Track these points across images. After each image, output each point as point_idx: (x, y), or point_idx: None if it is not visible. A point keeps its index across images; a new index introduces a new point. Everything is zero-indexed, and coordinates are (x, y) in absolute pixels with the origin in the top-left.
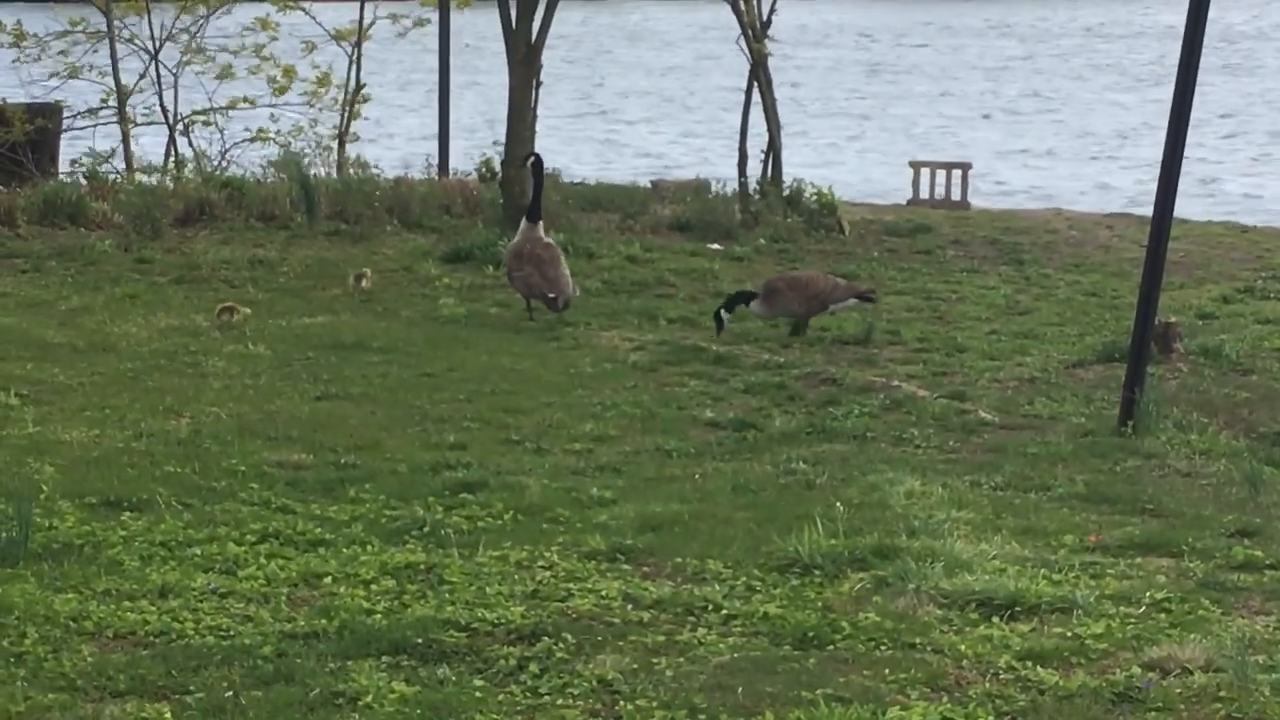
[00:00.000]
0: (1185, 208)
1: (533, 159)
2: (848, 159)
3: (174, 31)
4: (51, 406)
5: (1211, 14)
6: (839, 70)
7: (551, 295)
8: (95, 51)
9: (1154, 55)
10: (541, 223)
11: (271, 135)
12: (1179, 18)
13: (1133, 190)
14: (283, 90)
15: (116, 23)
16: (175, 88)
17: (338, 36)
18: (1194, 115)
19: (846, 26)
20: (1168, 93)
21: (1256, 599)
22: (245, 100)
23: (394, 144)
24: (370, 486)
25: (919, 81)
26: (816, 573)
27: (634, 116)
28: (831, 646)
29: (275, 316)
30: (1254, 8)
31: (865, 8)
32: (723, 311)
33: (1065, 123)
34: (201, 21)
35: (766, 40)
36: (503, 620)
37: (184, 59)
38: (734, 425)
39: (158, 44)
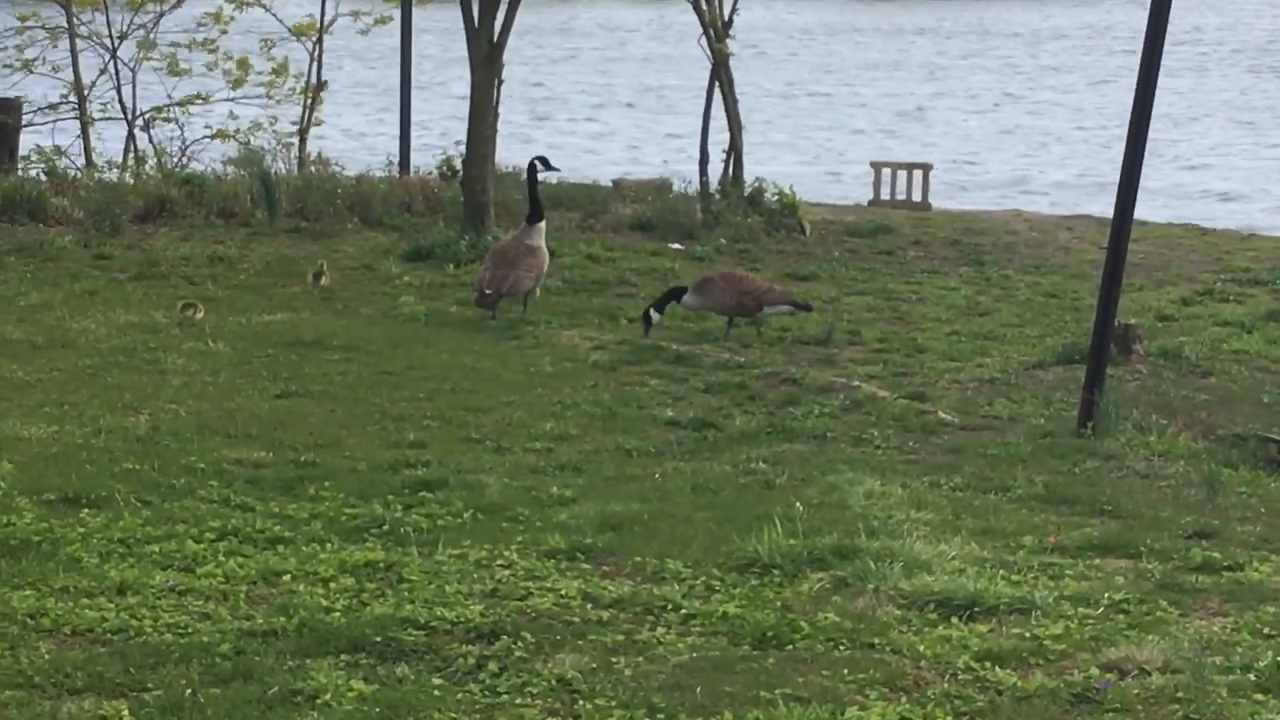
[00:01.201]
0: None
1: (533, 161)
2: (808, 158)
3: (130, 27)
4: (9, 403)
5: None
6: (799, 66)
7: (484, 290)
8: (54, 47)
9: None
10: (539, 224)
11: (231, 134)
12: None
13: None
14: (239, 83)
15: (75, 19)
16: (134, 83)
17: (297, 31)
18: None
19: (810, 26)
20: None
21: (1214, 600)
22: (200, 97)
23: (351, 140)
24: (330, 484)
25: (881, 78)
26: (775, 573)
27: (594, 115)
28: (790, 646)
29: (235, 314)
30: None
31: (819, 7)
32: (652, 310)
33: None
34: (155, 17)
35: (728, 40)
36: (462, 619)
37: (140, 54)
38: (694, 425)
39: (116, 40)
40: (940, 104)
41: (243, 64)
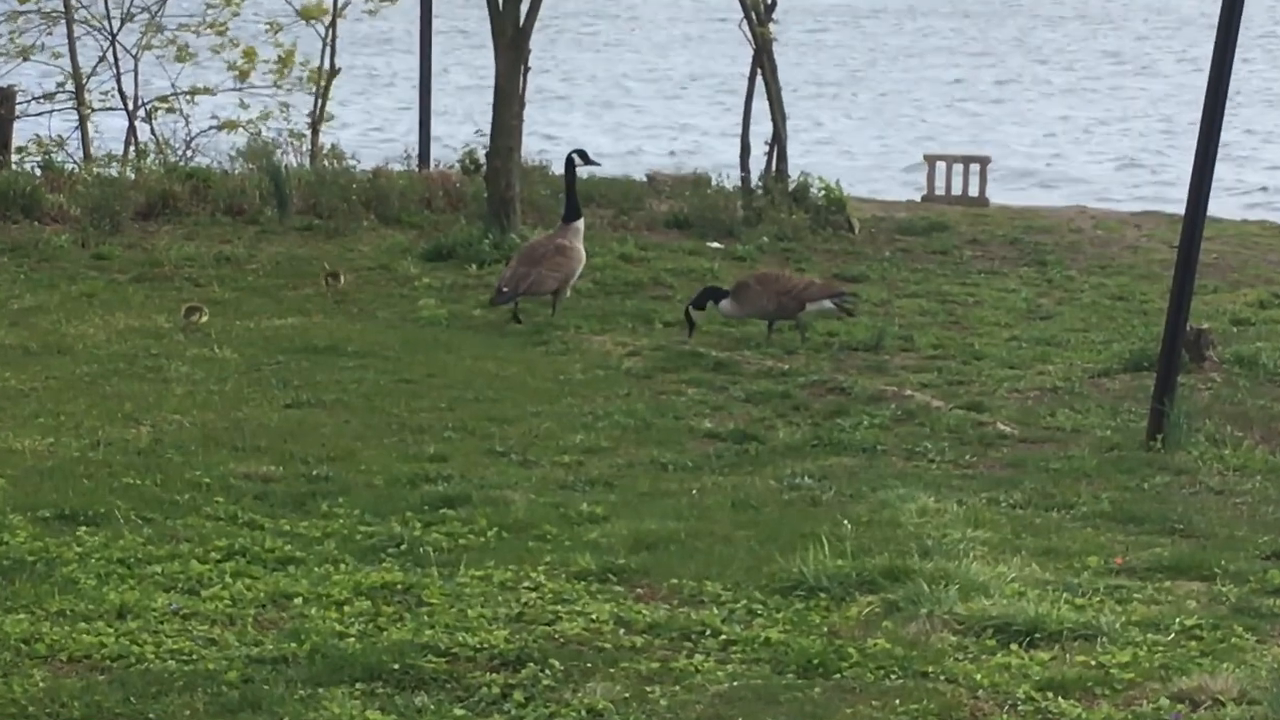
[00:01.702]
0: None
1: (571, 155)
2: (857, 151)
3: (132, 10)
4: (2, 413)
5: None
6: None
7: (501, 288)
8: (49, 33)
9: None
10: (576, 223)
11: (241, 124)
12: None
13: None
14: (245, 74)
15: (74, 1)
16: (135, 71)
17: (304, 15)
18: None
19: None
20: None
21: None
22: (204, 89)
23: (367, 131)
24: (344, 500)
25: (933, 66)
26: (822, 595)
27: (629, 104)
28: (838, 675)
29: (243, 317)
30: None
31: None
32: (691, 308)
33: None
34: (159, 0)
35: (770, 24)
36: (485, 645)
37: (143, 39)
38: (734, 437)
39: (115, 24)
40: (998, 91)
41: (249, 54)
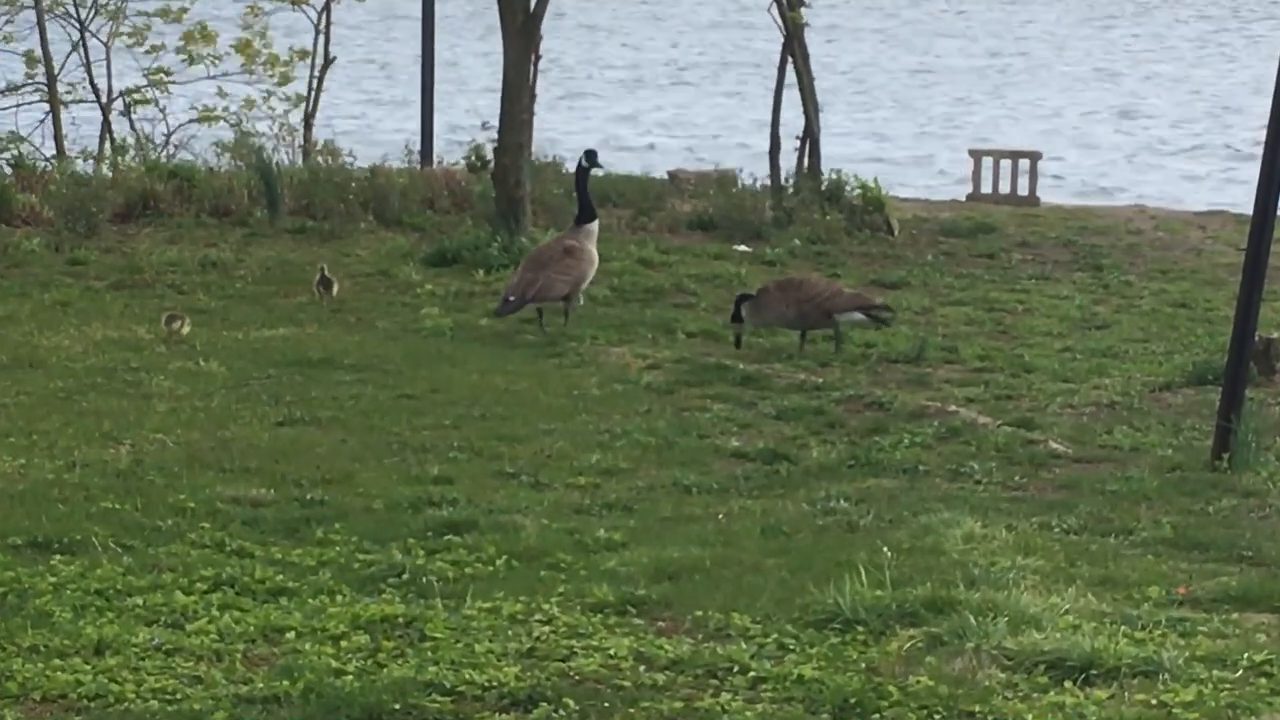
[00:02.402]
0: None
1: (580, 161)
2: (894, 145)
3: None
4: None
5: None
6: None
7: (507, 297)
8: (10, 22)
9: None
10: (589, 225)
11: (220, 114)
12: None
13: None
14: (193, 60)
15: None
16: (108, 61)
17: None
18: None
19: None
20: None
21: None
22: (164, 71)
23: (364, 125)
24: (340, 526)
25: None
26: (859, 629)
27: (650, 95)
28: (877, 715)
29: (231, 328)
30: None
31: None
32: (732, 323)
33: None
34: None
35: (802, 9)
36: (494, 683)
37: (115, 28)
38: (764, 456)
39: (85, 12)
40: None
41: (206, 36)
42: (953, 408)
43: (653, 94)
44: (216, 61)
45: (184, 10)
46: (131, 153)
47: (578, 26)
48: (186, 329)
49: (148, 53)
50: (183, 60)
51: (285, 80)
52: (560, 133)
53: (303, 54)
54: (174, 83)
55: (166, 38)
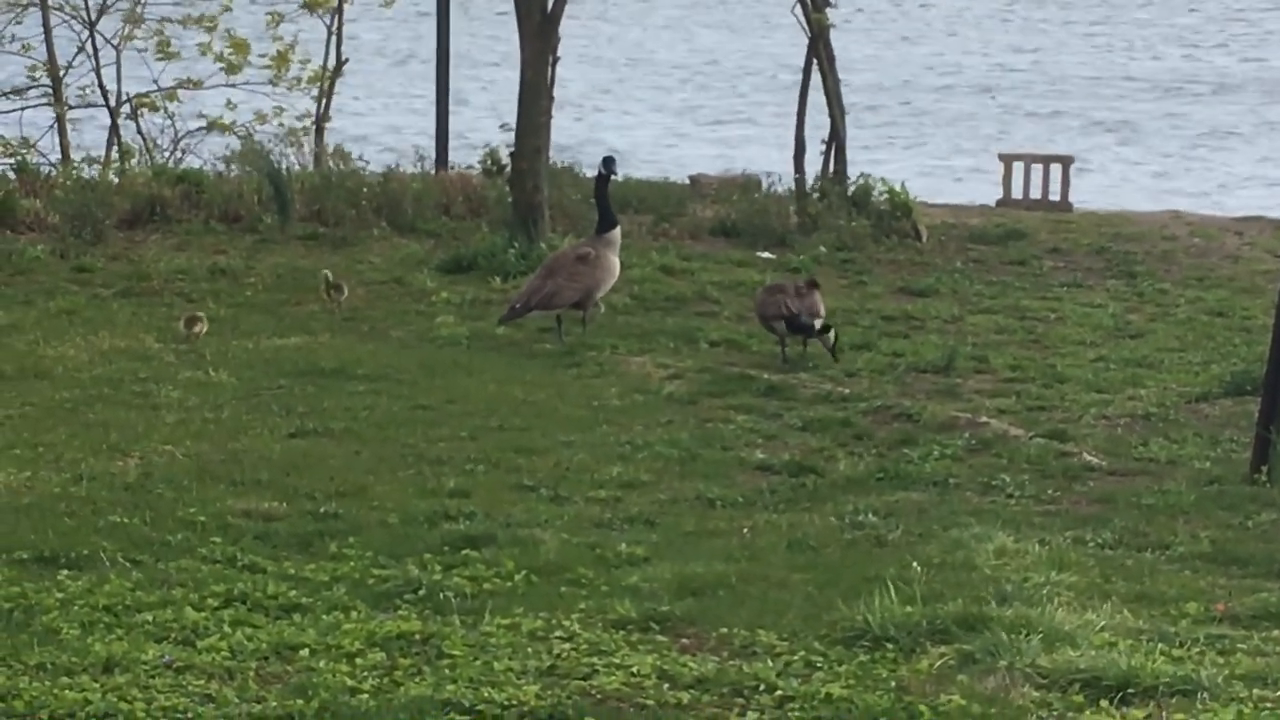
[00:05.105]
0: None
1: (600, 169)
2: (923, 149)
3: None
4: None
5: None
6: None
7: (513, 305)
8: (19, 22)
9: None
10: (609, 233)
11: (228, 125)
12: None
13: None
14: (234, 69)
15: None
16: (117, 64)
17: (311, 4)
18: None
19: None
20: None
21: None
22: (190, 81)
23: (377, 130)
24: (355, 541)
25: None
26: (889, 646)
27: (669, 99)
28: None
29: (241, 337)
30: None
31: None
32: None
33: None
34: None
35: (828, 9)
36: (513, 701)
37: (125, 30)
38: (790, 469)
39: (94, 13)
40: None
41: (239, 47)
42: (983, 419)
43: (669, 97)
44: (232, 70)
45: (223, 10)
46: (138, 157)
47: (591, 19)
48: (205, 329)
49: (160, 59)
50: (220, 67)
51: (323, 89)
52: (572, 138)
53: (313, 73)
54: (194, 86)
55: (183, 44)
